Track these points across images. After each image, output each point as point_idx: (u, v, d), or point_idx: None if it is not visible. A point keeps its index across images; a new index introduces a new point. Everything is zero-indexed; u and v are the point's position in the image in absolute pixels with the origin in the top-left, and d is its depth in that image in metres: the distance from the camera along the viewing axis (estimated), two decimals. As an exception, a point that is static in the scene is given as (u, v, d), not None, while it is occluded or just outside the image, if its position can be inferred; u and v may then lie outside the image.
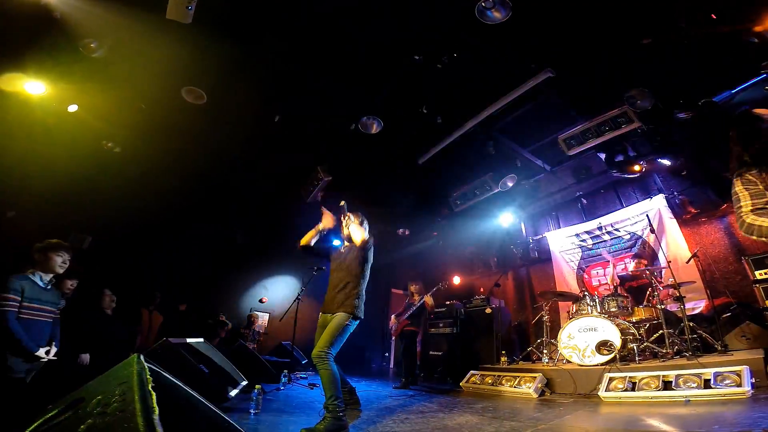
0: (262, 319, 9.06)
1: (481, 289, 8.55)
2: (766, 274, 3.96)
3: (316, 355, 3.17)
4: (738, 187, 2.14)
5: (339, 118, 6.47)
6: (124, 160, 6.85)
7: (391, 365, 10.39)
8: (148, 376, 1.27)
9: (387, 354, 10.89)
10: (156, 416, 1.05)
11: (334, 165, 7.55)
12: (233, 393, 3.35)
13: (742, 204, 2.10)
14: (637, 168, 6.17)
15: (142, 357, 1.42)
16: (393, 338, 7.10)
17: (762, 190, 2.05)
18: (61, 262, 3.43)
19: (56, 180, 6.40)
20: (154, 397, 1.15)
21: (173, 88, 5.63)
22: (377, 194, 8.89)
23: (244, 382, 3.94)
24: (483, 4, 4.31)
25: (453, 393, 5.38)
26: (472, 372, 5.84)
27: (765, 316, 3.85)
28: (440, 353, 7.55)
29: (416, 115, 6.38)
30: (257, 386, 3.55)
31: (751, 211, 2.04)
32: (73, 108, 5.75)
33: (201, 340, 4.05)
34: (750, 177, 2.10)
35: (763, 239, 2.00)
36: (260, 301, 9.31)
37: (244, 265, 9.17)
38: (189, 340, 3.76)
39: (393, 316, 6.95)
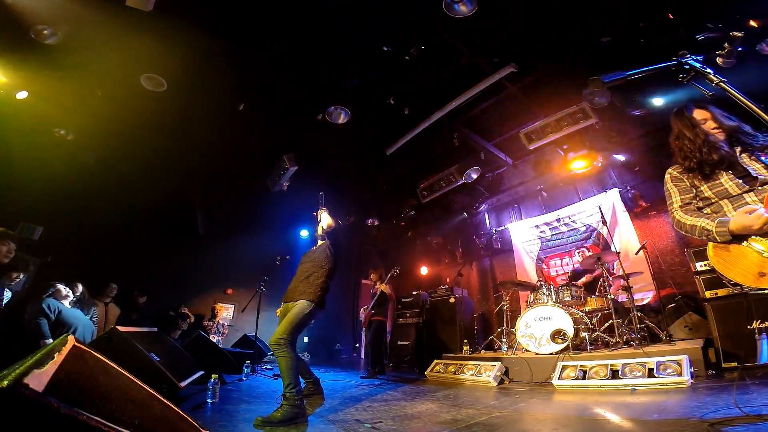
0: (228, 311, 8.89)
1: (447, 280, 8.71)
2: (706, 265, 4.17)
3: (274, 342, 3.14)
4: (668, 184, 2.24)
5: (306, 108, 6.36)
6: (78, 148, 6.56)
7: (362, 356, 10.48)
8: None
9: (357, 345, 10.97)
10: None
11: (300, 155, 7.45)
12: (185, 383, 3.31)
13: (673, 200, 2.20)
14: (591, 163, 6.40)
15: (72, 336, 1.36)
16: (363, 329, 7.12)
17: (688, 187, 2.16)
18: (6, 251, 3.24)
19: (3, 168, 6.03)
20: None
21: (132, 76, 5.45)
22: (345, 185, 8.85)
23: (200, 372, 3.91)
24: (450, -3, 4.32)
25: (418, 382, 5.47)
26: (436, 361, 5.96)
27: (705, 307, 4.09)
28: (408, 343, 7.65)
29: (384, 106, 6.37)
30: (213, 376, 3.50)
31: (680, 207, 2.14)
32: (22, 95, 5.50)
33: (154, 329, 4.00)
34: (677, 174, 2.21)
35: (688, 235, 2.08)
36: (225, 292, 9.11)
37: (208, 256, 8.93)
38: (140, 329, 3.69)
39: (362, 309, 7.00)
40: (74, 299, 5.04)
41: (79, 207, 7.02)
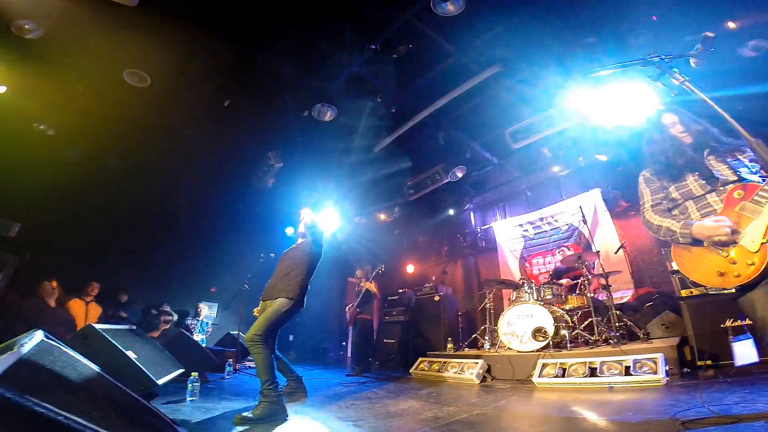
0: (211, 309, 8.79)
1: (433, 278, 8.75)
2: (682, 264, 4.26)
3: (248, 339, 3.14)
4: (641, 186, 2.33)
5: (292, 105, 6.31)
6: (59, 143, 6.42)
7: (348, 354, 10.48)
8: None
9: (344, 343, 10.96)
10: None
11: (286, 151, 7.40)
12: (164, 380, 3.30)
13: (644, 200, 2.28)
14: (573, 163, 6.50)
15: (42, 332, 1.35)
16: (349, 327, 7.12)
17: (659, 188, 2.24)
18: None
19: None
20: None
21: (115, 71, 5.38)
22: (331, 182, 8.81)
23: (180, 370, 3.89)
24: (439, -5, 4.34)
25: (403, 380, 5.50)
26: (421, 359, 6.00)
27: (681, 306, 4.18)
28: (394, 341, 7.67)
29: (372, 104, 6.36)
30: (193, 374, 3.49)
31: (651, 206, 2.23)
32: (0, 89, 5.36)
33: (133, 327, 3.97)
34: (649, 175, 2.30)
35: (654, 234, 2.18)
36: (209, 290, 9.01)
37: (192, 254, 8.81)
38: (118, 326, 3.67)
39: (347, 307, 7.00)
40: None
41: (59, 203, 6.84)
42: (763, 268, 1.73)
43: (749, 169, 2.01)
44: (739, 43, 4.79)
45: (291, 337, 10.01)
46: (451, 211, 9.20)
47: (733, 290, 1.88)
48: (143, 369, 2.82)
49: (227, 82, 5.88)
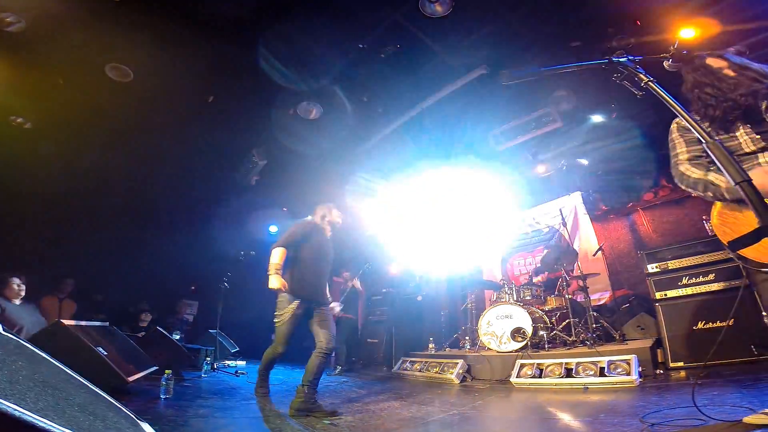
0: (191, 307, 8.65)
1: (417, 278, 8.76)
2: (657, 267, 4.35)
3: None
4: (674, 134, 2.07)
5: (278, 102, 6.25)
6: (36, 137, 6.24)
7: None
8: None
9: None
10: None
11: (270, 149, 7.32)
12: (135, 377, 3.26)
13: (678, 151, 2.01)
14: (555, 166, 6.60)
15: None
16: (333, 327, 7.06)
17: (696, 139, 1.86)
18: None
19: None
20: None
21: (97, 65, 5.22)
22: (317, 180, 8.75)
23: (153, 368, 3.84)
24: (427, -5, 4.34)
25: (385, 379, 5.53)
26: (403, 358, 6.02)
27: (655, 308, 4.27)
28: (377, 340, 7.68)
29: (358, 103, 6.33)
30: (167, 371, 3.45)
31: (687, 159, 1.96)
32: None
33: (105, 324, 3.90)
34: (685, 124, 2.04)
35: (690, 190, 1.92)
36: (190, 289, 8.87)
37: (171, 252, 8.66)
38: (89, 323, 3.60)
39: (331, 305, 6.95)
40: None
41: (35, 198, 6.69)
42: None
43: None
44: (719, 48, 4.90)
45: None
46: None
47: None
48: (112, 365, 2.77)
49: (212, 77, 5.78)
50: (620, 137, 6.00)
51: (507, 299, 5.51)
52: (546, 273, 6.20)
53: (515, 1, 4.77)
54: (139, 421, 1.54)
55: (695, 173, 1.86)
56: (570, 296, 5.19)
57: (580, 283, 5.16)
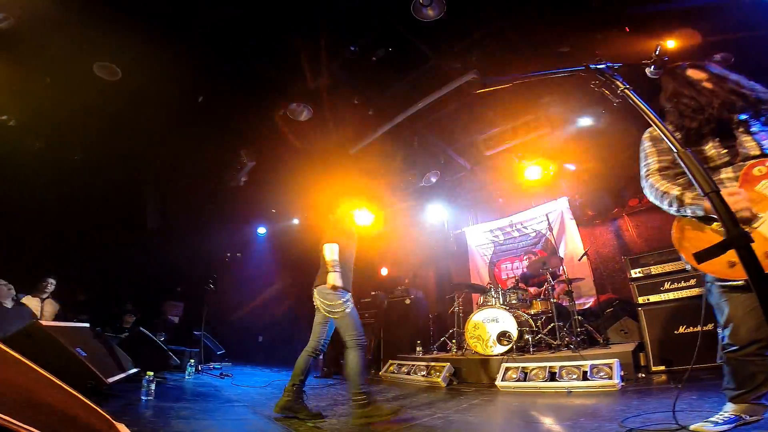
0: (177, 308, 8.55)
1: (406, 281, 8.77)
2: (640, 272, 4.41)
3: None
4: (646, 143, 2.07)
5: (268, 103, 6.22)
6: (22, 134, 6.14)
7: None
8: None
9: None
10: None
11: (259, 150, 7.29)
12: (115, 379, 3.22)
13: (649, 161, 2.02)
14: (543, 171, 6.67)
15: None
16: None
17: (668, 149, 1.89)
18: None
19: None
20: None
21: (85, 63, 5.14)
22: (307, 182, 8.72)
23: (134, 370, 3.79)
24: (421, 0, 4.35)
25: (372, 382, 5.50)
26: (390, 361, 6.01)
27: (638, 312, 4.33)
28: (366, 343, 7.65)
29: (349, 106, 6.34)
30: (149, 373, 3.41)
31: (658, 170, 1.97)
32: None
33: (86, 325, 3.84)
34: (656, 133, 1.97)
35: (656, 203, 1.94)
36: (176, 290, 8.76)
37: (158, 252, 8.56)
38: (68, 324, 3.55)
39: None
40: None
41: (19, 196, 6.57)
42: None
43: None
44: (705, 56, 5.00)
45: (260, 338, 9.85)
46: (426, 215, 9.25)
47: (742, 282, 1.67)
48: (91, 367, 2.73)
49: (201, 77, 5.75)
50: (608, 143, 6.08)
51: (494, 303, 5.53)
52: (535, 279, 6.25)
53: (506, 7, 4.83)
54: (114, 422, 1.52)
55: (663, 185, 1.88)
56: (555, 300, 5.23)
57: (566, 287, 5.21)
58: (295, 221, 10.00)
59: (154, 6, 4.51)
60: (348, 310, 3.39)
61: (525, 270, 6.58)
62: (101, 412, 1.49)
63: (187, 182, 8.18)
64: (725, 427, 1.78)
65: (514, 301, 5.53)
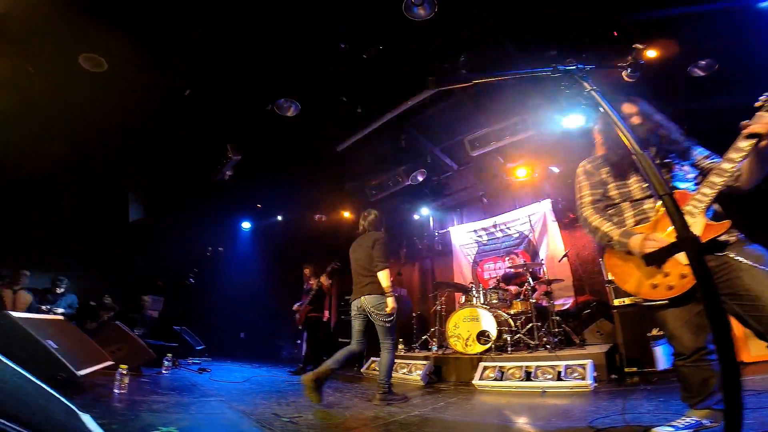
0: (157, 302, 8.43)
1: (391, 279, 8.78)
2: (615, 274, 4.49)
3: None
4: (581, 177, 2.19)
5: (255, 98, 6.16)
6: (2, 124, 5.98)
7: (303, 353, 10.33)
8: None
9: (299, 341, 10.79)
10: None
11: (246, 144, 7.23)
12: (87, 371, 3.19)
13: (583, 194, 2.14)
14: (527, 173, 6.74)
15: None
16: (299, 327, 6.94)
17: (599, 182, 2.11)
18: None
19: None
20: None
21: (70, 54, 5.08)
22: (293, 178, 8.68)
23: (108, 363, 3.77)
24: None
25: (354, 379, 5.51)
26: (372, 358, 6.01)
27: (613, 314, 4.41)
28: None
29: (337, 103, 6.32)
30: (122, 366, 3.38)
31: (591, 203, 2.09)
32: None
33: (60, 317, 3.79)
34: (590, 168, 2.17)
35: (590, 235, 2.07)
36: (155, 284, 8.62)
37: (139, 245, 8.43)
38: (41, 316, 3.51)
39: (296, 305, 6.85)
40: None
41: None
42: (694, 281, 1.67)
43: (684, 174, 1.94)
44: (689, 62, 5.10)
45: (242, 335, 9.79)
46: (412, 214, 9.28)
47: (666, 302, 1.83)
48: (61, 359, 2.69)
49: (188, 70, 5.68)
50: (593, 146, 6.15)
51: (475, 302, 5.58)
52: (516, 279, 6.31)
53: (496, 9, 4.87)
54: (78, 413, 1.51)
55: (596, 220, 2.02)
56: (535, 301, 5.30)
57: (546, 288, 5.28)
58: (279, 218, 9.96)
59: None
60: (393, 320, 3.85)
61: (506, 270, 6.64)
62: (66, 402, 1.47)
63: (171, 175, 8.09)
64: (685, 431, 1.84)
65: (494, 301, 5.58)
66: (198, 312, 7.26)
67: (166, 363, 5.08)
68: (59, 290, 6.34)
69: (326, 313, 7.10)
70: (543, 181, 7.32)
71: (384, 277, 3.84)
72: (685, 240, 1.01)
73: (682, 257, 1.71)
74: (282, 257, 10.13)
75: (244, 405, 3.27)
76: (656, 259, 1.73)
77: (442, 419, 2.96)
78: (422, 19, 4.64)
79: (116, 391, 3.27)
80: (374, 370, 5.73)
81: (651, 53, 4.84)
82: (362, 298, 3.89)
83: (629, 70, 1.81)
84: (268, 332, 9.71)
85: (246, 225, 9.94)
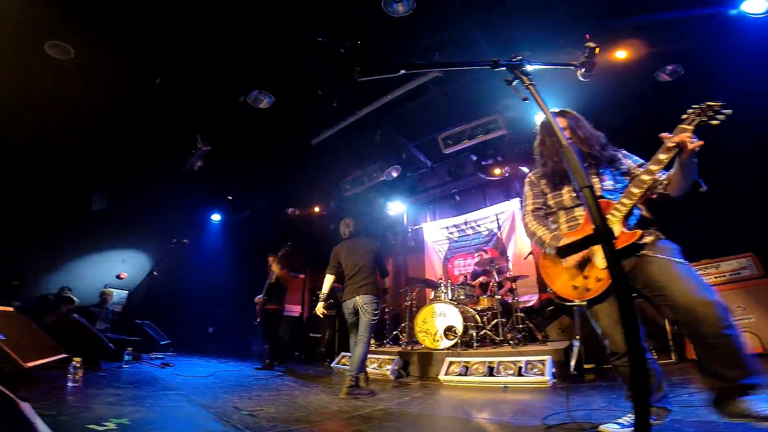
0: (119, 296, 8.17)
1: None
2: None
3: None
4: (526, 188, 2.34)
5: (227, 89, 6.02)
6: None
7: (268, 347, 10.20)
8: None
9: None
10: None
11: (216, 135, 7.06)
12: (35, 363, 3.09)
13: (526, 203, 2.29)
14: (498, 172, 6.84)
15: None
16: (257, 320, 6.50)
17: (540, 192, 2.25)
18: None
19: None
20: None
21: (36, 42, 4.88)
22: (265, 170, 8.55)
23: (61, 356, 3.66)
24: (391, -5, 4.36)
25: (322, 374, 5.49)
26: (343, 354, 6.00)
27: (573, 311, 4.53)
28: (320, 335, 7.62)
29: (313, 96, 6.25)
30: (76, 359, 3.28)
31: (531, 210, 2.24)
32: None
33: (10, 309, 3.64)
34: (534, 179, 2.30)
35: (533, 242, 2.20)
36: (118, 277, 8.34)
37: (100, 236, 8.14)
38: None
39: (256, 298, 6.59)
40: None
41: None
42: (609, 284, 1.82)
43: (613, 182, 2.05)
44: (657, 67, 5.26)
45: (210, 330, 9.61)
46: (386, 210, 9.30)
47: (585, 303, 1.98)
48: (8, 350, 2.60)
49: (158, 58, 5.49)
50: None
51: (443, 298, 5.65)
52: (484, 276, 6.42)
53: (473, 8, 4.91)
54: (18, 402, 1.46)
55: (533, 225, 2.19)
56: (500, 297, 5.40)
57: (510, 284, 5.39)
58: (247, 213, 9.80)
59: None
60: (377, 316, 4.12)
61: (475, 267, 6.74)
62: (8, 394, 1.42)
63: (137, 165, 7.83)
64: (631, 429, 1.90)
65: (462, 297, 5.66)
66: (165, 306, 7.05)
67: (126, 357, 4.93)
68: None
69: (286, 306, 6.76)
70: (514, 181, 7.46)
71: (388, 282, 4.63)
72: (602, 232, 1.04)
73: (600, 262, 1.88)
74: (254, 250, 9.97)
75: (204, 399, 3.21)
76: (569, 251, 1.90)
77: (406, 413, 2.99)
78: (400, 15, 4.64)
79: (70, 384, 3.18)
80: (345, 364, 5.73)
81: (620, 54, 4.95)
82: (357, 297, 4.07)
83: (583, 70, 1.85)
84: (238, 327, 9.57)
85: (216, 217, 9.74)
